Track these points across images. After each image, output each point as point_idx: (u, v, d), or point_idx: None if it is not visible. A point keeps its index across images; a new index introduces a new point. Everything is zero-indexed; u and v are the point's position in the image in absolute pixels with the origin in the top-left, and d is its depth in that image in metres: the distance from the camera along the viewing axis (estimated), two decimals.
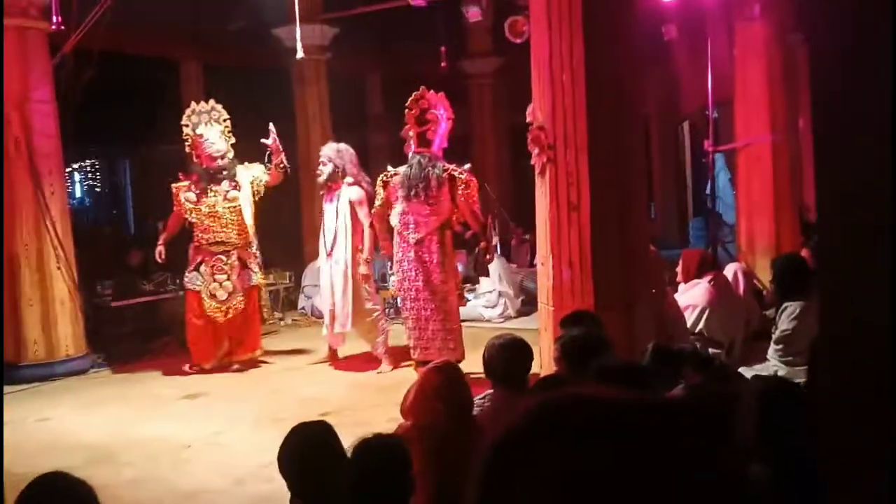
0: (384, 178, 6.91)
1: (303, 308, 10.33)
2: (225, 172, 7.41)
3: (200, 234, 7.39)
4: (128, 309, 8.55)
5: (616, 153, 4.77)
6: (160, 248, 7.50)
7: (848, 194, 1.20)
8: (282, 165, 7.48)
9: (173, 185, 7.53)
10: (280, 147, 7.43)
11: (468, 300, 8.14)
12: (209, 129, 7.46)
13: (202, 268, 7.36)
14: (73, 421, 6.09)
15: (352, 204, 7.14)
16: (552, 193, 4.80)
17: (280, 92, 11.12)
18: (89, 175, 17.43)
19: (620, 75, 4.81)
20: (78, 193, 17.57)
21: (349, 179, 7.16)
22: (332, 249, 7.21)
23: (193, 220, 7.40)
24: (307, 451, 2.60)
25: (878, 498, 1.00)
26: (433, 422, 3.13)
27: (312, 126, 10.79)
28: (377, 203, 6.99)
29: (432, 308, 6.62)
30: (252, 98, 11.74)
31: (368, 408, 5.89)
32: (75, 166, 16.37)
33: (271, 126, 7.37)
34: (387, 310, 8.41)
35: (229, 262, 7.37)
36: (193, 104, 7.65)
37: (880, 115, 1.04)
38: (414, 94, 6.75)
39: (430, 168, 6.56)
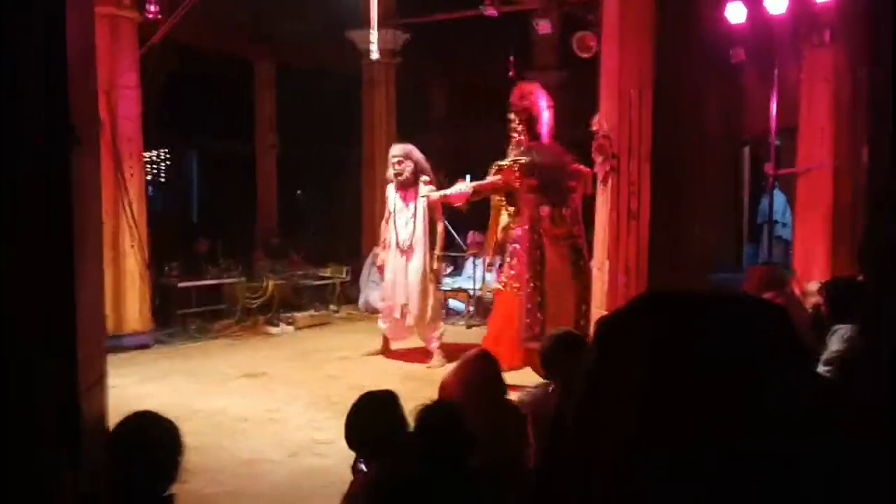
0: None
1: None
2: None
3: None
4: (192, 290, 8.90)
5: (678, 166, 4.92)
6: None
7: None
8: None
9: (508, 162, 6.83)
10: None
11: None
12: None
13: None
14: (139, 389, 6.39)
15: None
16: (613, 201, 4.96)
17: (346, 93, 11.45)
18: (157, 164, 17.95)
19: (686, 93, 4.97)
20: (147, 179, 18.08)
21: (425, 178, 7.37)
22: (409, 246, 7.34)
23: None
24: (376, 409, 2.80)
25: None
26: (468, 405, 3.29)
27: (378, 127, 11.07)
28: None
29: None
30: (320, 98, 12.16)
31: (420, 398, 6.05)
32: (145, 155, 16.85)
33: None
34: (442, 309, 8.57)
35: None
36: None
37: None
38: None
39: None
